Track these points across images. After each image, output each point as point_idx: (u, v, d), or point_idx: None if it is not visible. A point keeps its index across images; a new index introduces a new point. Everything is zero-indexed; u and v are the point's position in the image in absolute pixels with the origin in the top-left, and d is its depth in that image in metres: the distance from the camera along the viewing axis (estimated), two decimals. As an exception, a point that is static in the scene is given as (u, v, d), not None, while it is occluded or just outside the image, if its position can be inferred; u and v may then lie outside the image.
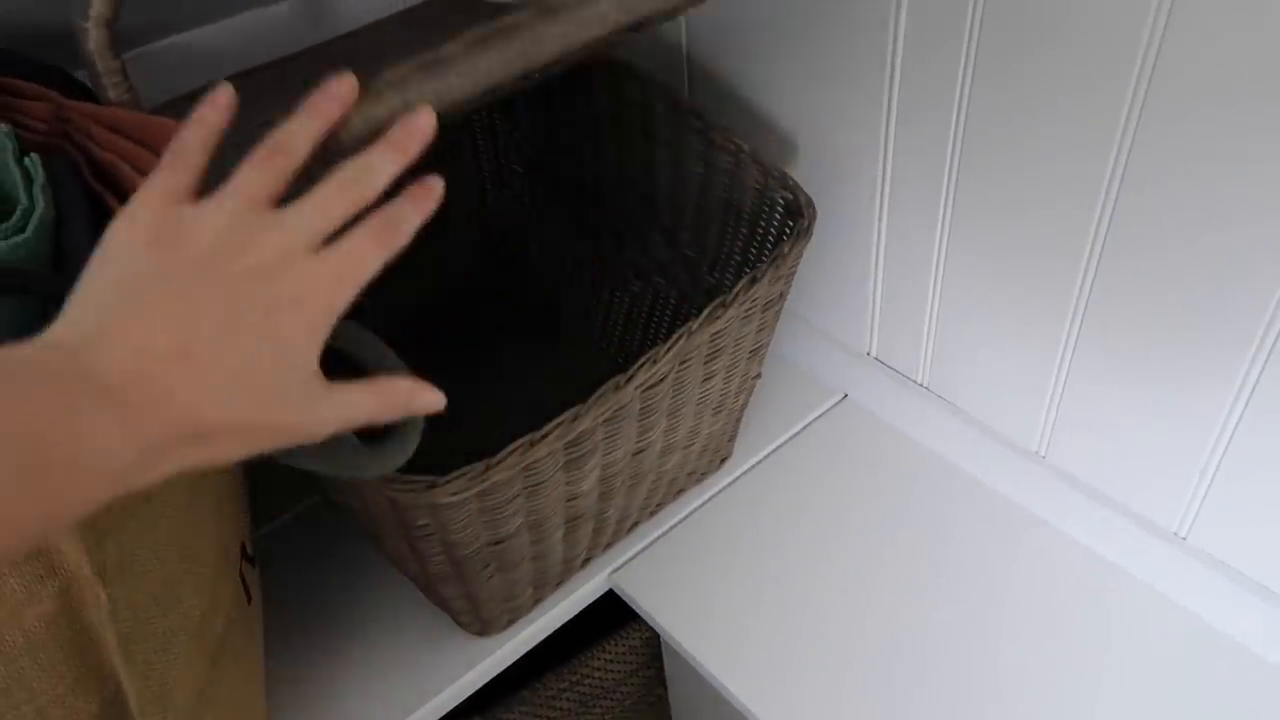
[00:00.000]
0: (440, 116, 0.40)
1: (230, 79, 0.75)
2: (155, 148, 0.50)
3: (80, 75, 0.57)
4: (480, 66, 0.43)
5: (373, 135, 0.39)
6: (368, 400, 0.38)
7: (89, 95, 0.57)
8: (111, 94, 0.52)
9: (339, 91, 0.38)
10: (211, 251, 0.34)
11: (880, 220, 0.72)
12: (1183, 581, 0.67)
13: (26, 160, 0.47)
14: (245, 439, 0.35)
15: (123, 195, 0.51)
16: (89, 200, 0.50)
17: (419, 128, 0.38)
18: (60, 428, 0.30)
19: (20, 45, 0.61)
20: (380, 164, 0.37)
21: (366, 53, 0.73)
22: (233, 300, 0.34)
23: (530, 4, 0.45)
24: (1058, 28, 0.54)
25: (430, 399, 0.40)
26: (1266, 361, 0.56)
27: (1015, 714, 0.64)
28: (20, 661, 0.39)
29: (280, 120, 0.38)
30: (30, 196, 0.46)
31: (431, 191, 0.38)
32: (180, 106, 0.70)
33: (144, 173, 0.49)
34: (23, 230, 0.44)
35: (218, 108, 0.38)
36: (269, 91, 0.69)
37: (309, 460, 0.43)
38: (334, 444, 0.44)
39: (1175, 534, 0.67)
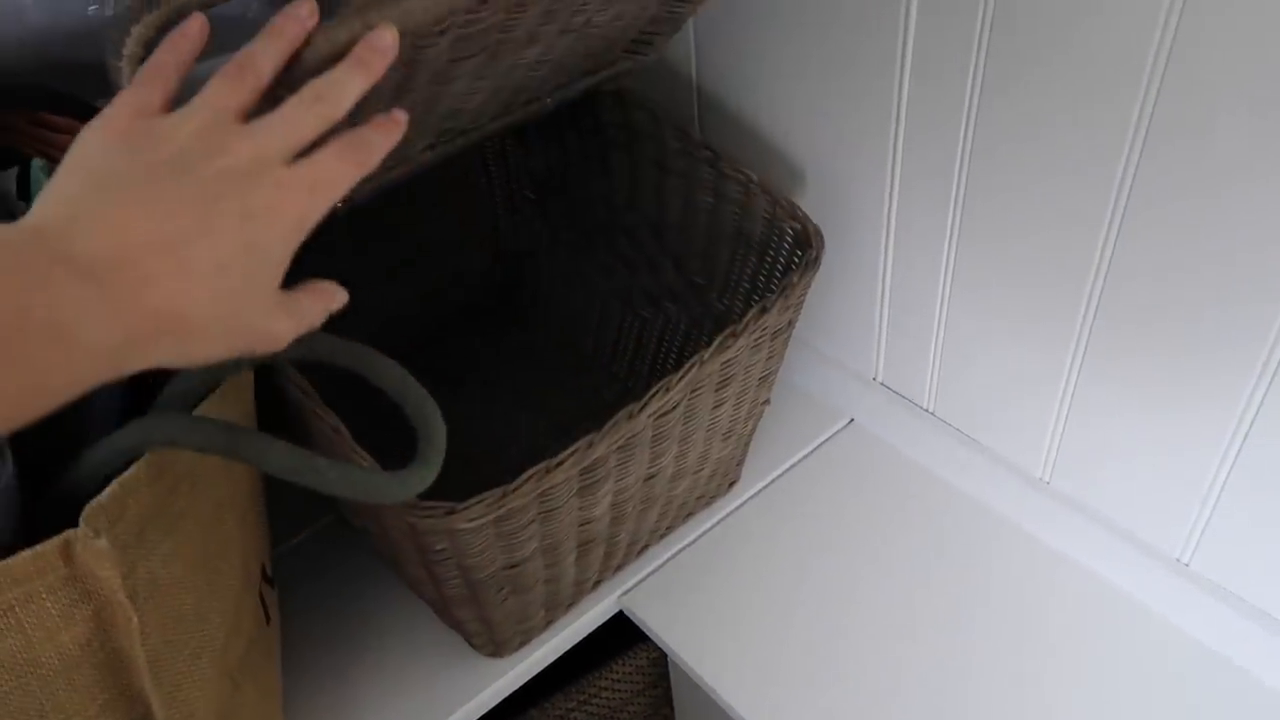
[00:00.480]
0: (404, 40, 0.40)
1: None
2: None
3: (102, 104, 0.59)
4: None
5: (336, 57, 0.40)
6: (314, 304, 0.40)
7: (118, 128, 0.58)
8: (142, 129, 0.54)
9: (300, 13, 0.39)
10: (186, 153, 0.35)
11: (887, 247, 0.74)
12: (1185, 607, 0.68)
13: (61, 194, 0.49)
14: (219, 338, 0.35)
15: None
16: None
17: (382, 45, 0.39)
18: (39, 299, 0.30)
19: (47, 78, 0.62)
20: (346, 81, 0.38)
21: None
22: (210, 200, 0.34)
23: None
24: (1062, 57, 0.56)
25: (340, 298, 0.42)
26: (1269, 388, 0.57)
27: (1020, 737, 0.65)
28: (55, 683, 0.40)
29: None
30: (65, 230, 0.47)
31: (397, 123, 0.40)
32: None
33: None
34: (59, 263, 0.46)
35: (189, 36, 0.39)
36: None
37: (334, 485, 0.44)
38: (358, 470, 0.46)
39: (1178, 560, 0.68)
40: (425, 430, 0.47)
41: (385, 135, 0.39)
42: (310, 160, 0.37)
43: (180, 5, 0.42)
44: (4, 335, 0.29)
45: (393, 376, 0.49)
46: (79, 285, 0.31)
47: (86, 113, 0.57)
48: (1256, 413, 0.58)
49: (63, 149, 0.55)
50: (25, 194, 0.53)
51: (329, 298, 0.41)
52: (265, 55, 0.38)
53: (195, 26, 0.39)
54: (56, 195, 0.34)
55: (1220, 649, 0.67)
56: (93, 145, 0.36)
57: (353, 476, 0.45)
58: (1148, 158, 0.55)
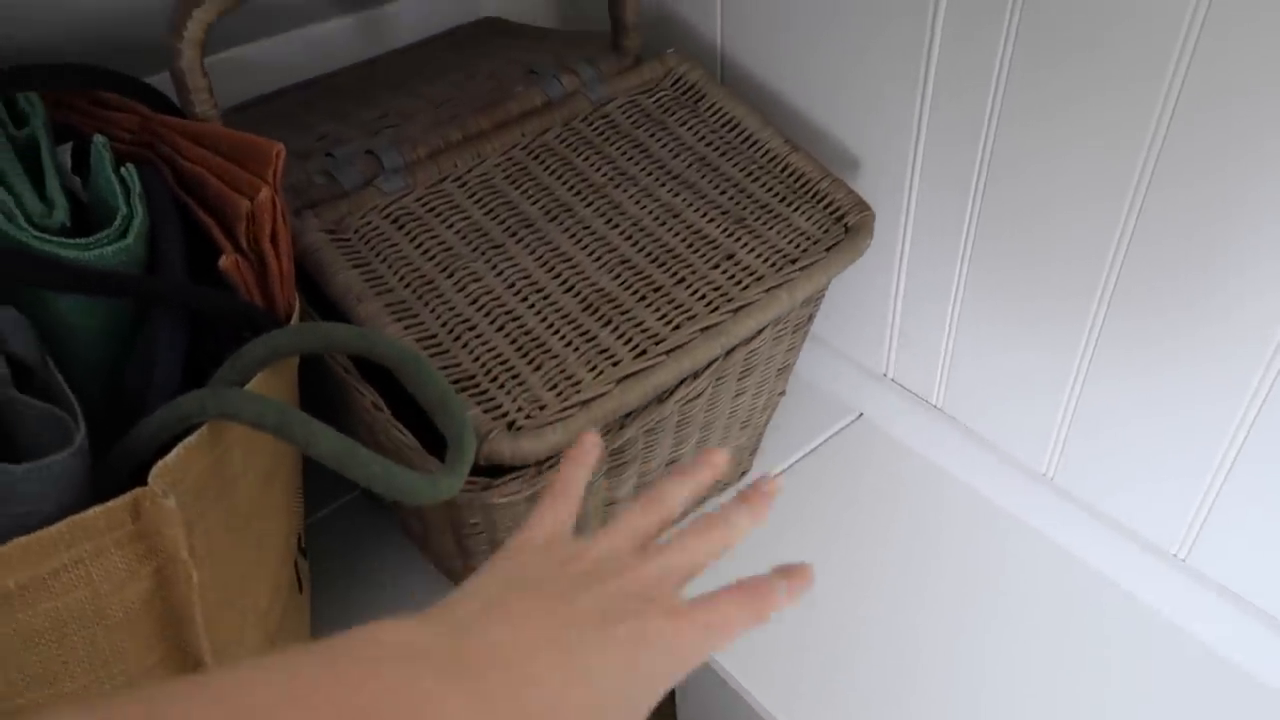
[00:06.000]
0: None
1: (289, 91, 0.78)
2: (239, 160, 0.53)
3: (149, 80, 0.60)
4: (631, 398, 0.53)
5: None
6: None
7: (169, 106, 0.60)
8: (198, 109, 0.56)
9: (716, 461, 0.42)
10: (595, 569, 0.36)
11: (903, 247, 0.76)
12: (1181, 602, 0.71)
13: (123, 170, 0.51)
14: None
15: (207, 204, 0.54)
16: (177, 208, 0.53)
17: (771, 491, 0.42)
18: (401, 705, 0.29)
19: (101, 58, 0.64)
20: (738, 520, 0.41)
21: (413, 71, 0.77)
22: (610, 618, 0.34)
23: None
24: (1087, 50, 0.57)
25: None
26: (1271, 389, 0.59)
27: (1019, 722, 0.67)
28: (119, 634, 0.42)
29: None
30: (129, 205, 0.49)
31: (806, 578, 0.41)
32: (238, 115, 0.73)
33: (229, 184, 0.52)
34: (124, 236, 0.48)
35: (590, 451, 0.42)
36: (323, 103, 0.73)
37: (374, 478, 0.45)
38: (396, 467, 0.46)
39: (1175, 555, 0.70)
40: (457, 443, 0.48)
41: (792, 589, 0.39)
42: (710, 601, 0.37)
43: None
44: None
45: (435, 388, 0.49)
46: (452, 688, 0.30)
47: (140, 91, 0.59)
48: (1255, 418, 0.60)
49: (120, 126, 0.57)
50: (82, 169, 0.55)
51: None
52: (678, 493, 0.40)
53: (592, 442, 0.42)
54: (473, 589, 0.35)
55: (1214, 644, 0.70)
56: (517, 554, 0.37)
57: (391, 472, 0.45)
58: (1164, 159, 0.57)
